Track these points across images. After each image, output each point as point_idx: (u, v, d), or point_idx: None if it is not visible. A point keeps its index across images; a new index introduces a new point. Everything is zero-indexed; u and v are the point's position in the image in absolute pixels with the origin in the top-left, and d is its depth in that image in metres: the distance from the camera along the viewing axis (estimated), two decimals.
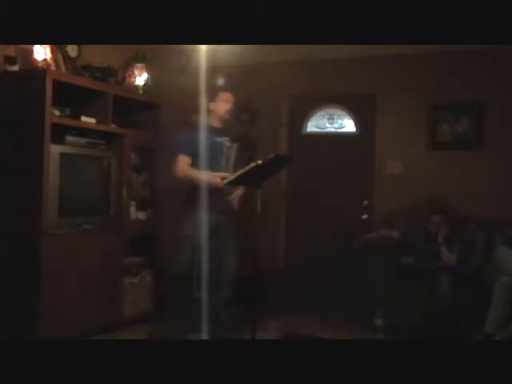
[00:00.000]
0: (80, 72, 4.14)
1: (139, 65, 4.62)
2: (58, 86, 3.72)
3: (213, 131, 3.79)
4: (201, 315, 3.58)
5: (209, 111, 3.83)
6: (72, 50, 4.20)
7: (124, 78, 4.59)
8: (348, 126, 5.38)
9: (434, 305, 4.06)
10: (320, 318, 4.67)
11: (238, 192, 3.77)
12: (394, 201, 4.89)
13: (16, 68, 3.83)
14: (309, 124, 5.51)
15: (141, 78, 4.63)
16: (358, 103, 5.32)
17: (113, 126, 4.27)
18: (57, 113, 3.85)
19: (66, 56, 4.11)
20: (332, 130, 5.44)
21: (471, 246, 4.31)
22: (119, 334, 4.11)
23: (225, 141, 3.84)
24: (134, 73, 4.62)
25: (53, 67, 3.88)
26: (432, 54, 4.77)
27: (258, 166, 3.08)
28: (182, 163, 3.74)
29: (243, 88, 5.39)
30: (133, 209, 4.53)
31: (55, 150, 3.76)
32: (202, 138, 3.72)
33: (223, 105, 3.83)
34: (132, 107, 4.62)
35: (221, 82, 4.07)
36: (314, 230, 5.36)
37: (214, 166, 3.71)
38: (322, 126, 5.47)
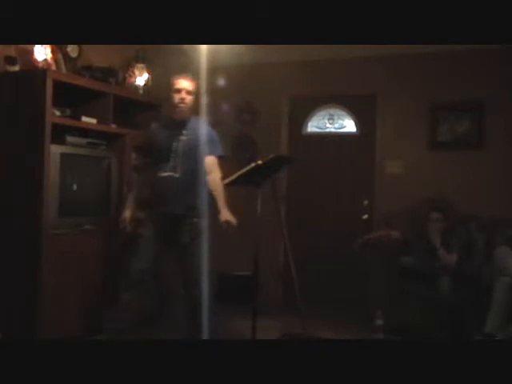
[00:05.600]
0: (80, 72, 4.14)
1: (139, 65, 4.62)
2: (59, 86, 3.72)
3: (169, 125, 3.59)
4: None
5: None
6: (72, 50, 4.20)
7: (124, 79, 4.59)
8: (348, 126, 5.39)
9: (434, 305, 4.06)
10: (320, 318, 4.67)
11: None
12: (394, 201, 4.90)
13: (16, 68, 3.83)
14: (309, 124, 5.51)
15: (141, 78, 4.63)
16: (358, 103, 5.33)
17: (113, 126, 4.27)
18: (57, 113, 3.85)
19: (66, 56, 4.10)
20: (332, 130, 5.44)
21: (471, 246, 4.31)
22: (119, 334, 4.10)
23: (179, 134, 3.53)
24: (134, 73, 4.62)
25: (53, 67, 3.88)
26: (432, 54, 4.77)
27: (257, 166, 3.08)
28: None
29: (243, 88, 5.42)
30: None
31: (55, 150, 3.76)
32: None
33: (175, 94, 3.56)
34: (132, 107, 4.62)
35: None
36: (314, 230, 5.36)
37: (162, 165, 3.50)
38: (323, 127, 5.47)
